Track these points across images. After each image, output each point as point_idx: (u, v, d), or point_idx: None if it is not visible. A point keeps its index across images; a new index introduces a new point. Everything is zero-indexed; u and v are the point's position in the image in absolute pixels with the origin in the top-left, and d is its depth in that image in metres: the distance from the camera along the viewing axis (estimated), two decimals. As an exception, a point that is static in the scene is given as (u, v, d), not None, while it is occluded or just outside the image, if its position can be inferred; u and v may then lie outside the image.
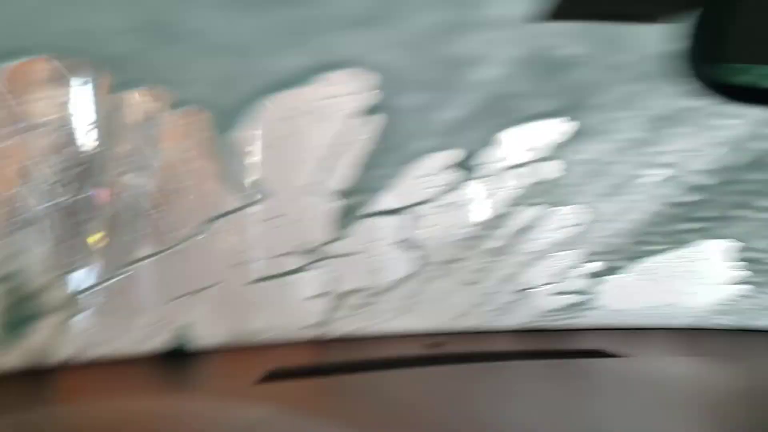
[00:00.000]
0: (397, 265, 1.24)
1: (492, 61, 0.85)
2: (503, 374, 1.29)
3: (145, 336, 1.20)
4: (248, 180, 0.94)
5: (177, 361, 1.23)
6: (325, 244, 1.12)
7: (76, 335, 1.14)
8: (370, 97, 0.87)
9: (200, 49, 0.75)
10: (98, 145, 0.82)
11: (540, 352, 1.38)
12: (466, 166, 1.03)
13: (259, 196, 0.99)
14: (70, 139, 0.85)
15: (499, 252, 1.29)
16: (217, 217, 1.01)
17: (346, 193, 1.02)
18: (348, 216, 1.06)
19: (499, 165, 1.04)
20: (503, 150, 1.01)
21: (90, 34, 0.68)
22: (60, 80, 0.79)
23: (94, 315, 1.12)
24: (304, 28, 0.74)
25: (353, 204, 1.04)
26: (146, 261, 1.05)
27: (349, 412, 1.02)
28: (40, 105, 0.82)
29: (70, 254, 0.99)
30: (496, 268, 1.34)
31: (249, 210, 1.01)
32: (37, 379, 1.13)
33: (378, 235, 1.15)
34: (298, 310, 1.28)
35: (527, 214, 1.20)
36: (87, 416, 1.00)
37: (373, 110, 0.89)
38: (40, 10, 0.65)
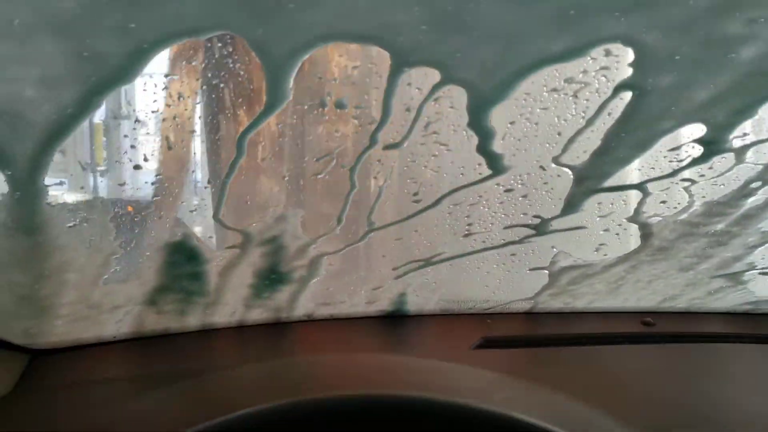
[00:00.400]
0: (620, 242, 1.22)
1: (757, 40, 0.80)
2: (716, 355, 1.25)
3: (370, 299, 1.28)
4: (489, 155, 0.97)
5: (398, 323, 1.30)
6: (552, 219, 1.13)
7: (313, 295, 1.24)
8: (625, 74, 0.85)
9: (474, 37, 0.78)
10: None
11: (756, 336, 1.31)
12: (708, 143, 0.98)
13: (489, 171, 1.01)
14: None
15: (726, 233, 1.23)
16: (452, 191, 1.05)
17: (581, 169, 1.01)
18: (580, 191, 1.06)
19: (743, 142, 0.98)
20: (748, 127, 0.96)
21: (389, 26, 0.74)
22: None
23: (329, 277, 1.21)
24: (571, 15, 0.74)
25: (587, 179, 1.03)
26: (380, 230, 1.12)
27: (561, 381, 1.04)
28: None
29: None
30: (719, 249, 1.28)
31: (482, 184, 1.04)
32: (278, 332, 1.24)
33: (606, 211, 1.13)
34: (516, 282, 1.30)
35: (762, 193, 1.13)
36: (320, 367, 1.09)
37: (625, 87, 0.87)
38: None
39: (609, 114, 0.93)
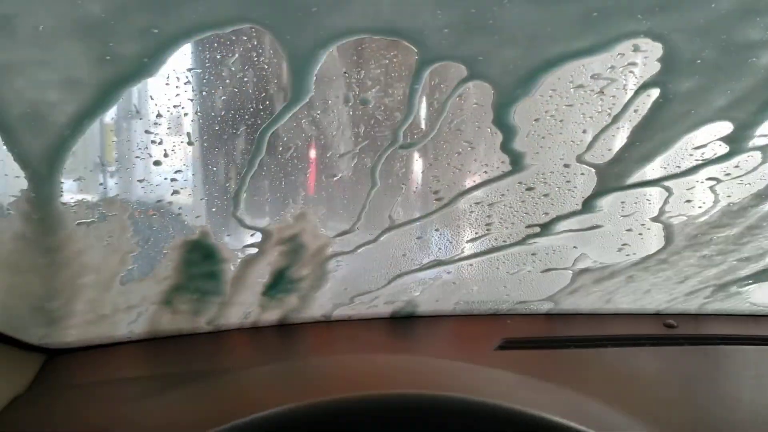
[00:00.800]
0: (642, 242, 1.21)
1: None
2: (739, 358, 1.23)
3: (389, 299, 1.26)
4: (513, 153, 0.95)
5: (417, 324, 1.29)
6: (574, 217, 1.11)
7: (323, 296, 1.22)
8: (649, 73, 0.84)
9: (498, 38, 0.77)
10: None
11: None
12: (732, 141, 0.96)
13: (512, 169, 1.00)
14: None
15: (748, 233, 1.21)
16: (473, 188, 1.03)
17: (605, 167, 1.00)
18: (603, 190, 1.04)
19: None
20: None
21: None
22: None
23: (347, 277, 1.20)
24: (595, 16, 0.74)
25: (611, 177, 1.02)
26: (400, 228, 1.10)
27: (583, 383, 1.03)
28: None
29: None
30: (740, 249, 1.26)
31: (504, 182, 1.02)
32: (295, 333, 1.22)
33: (629, 210, 1.12)
34: (536, 282, 1.29)
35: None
36: (339, 368, 1.07)
37: (652, 84, 0.85)
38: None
39: (635, 111, 0.91)
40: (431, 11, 0.74)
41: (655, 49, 0.81)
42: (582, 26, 0.77)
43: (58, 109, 0.74)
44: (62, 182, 0.82)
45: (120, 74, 0.72)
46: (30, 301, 0.98)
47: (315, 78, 0.81)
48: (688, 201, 1.12)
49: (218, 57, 0.82)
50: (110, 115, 0.81)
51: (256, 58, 0.83)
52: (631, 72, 0.87)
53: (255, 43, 0.82)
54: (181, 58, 0.78)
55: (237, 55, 0.83)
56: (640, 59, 0.84)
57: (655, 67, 0.84)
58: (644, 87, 0.87)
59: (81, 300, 1.02)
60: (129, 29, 0.70)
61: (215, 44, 0.81)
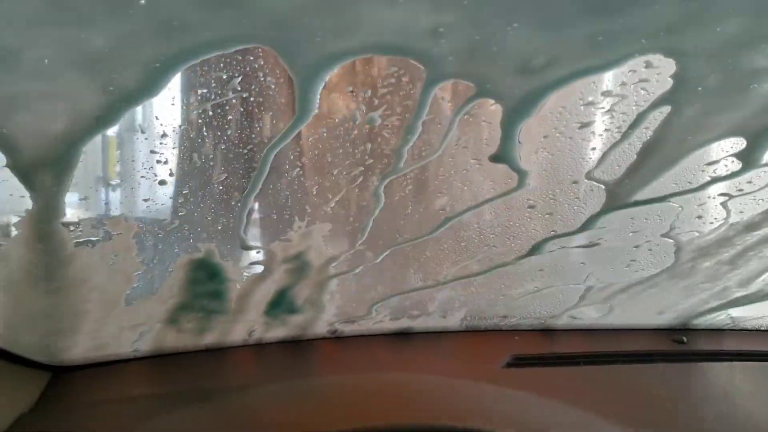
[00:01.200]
0: (652, 257, 1.19)
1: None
2: (753, 374, 1.21)
3: (395, 315, 1.25)
4: (520, 170, 0.94)
5: (424, 340, 1.27)
6: (582, 234, 1.10)
7: (329, 313, 1.21)
8: (659, 91, 0.83)
9: (502, 64, 0.77)
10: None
11: None
12: (743, 158, 0.95)
13: (520, 186, 0.99)
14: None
15: (758, 247, 1.19)
16: (480, 205, 1.03)
17: (613, 183, 0.98)
18: (613, 206, 1.03)
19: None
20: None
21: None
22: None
23: (353, 294, 1.19)
24: (604, 40, 0.73)
25: (618, 194, 1.00)
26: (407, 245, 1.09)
27: (594, 401, 1.02)
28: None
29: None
30: (752, 264, 1.24)
31: (512, 199, 1.02)
32: (301, 350, 1.21)
33: (639, 227, 1.10)
34: (544, 298, 1.27)
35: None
36: (345, 388, 1.06)
37: (660, 103, 0.84)
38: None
39: (646, 128, 0.90)
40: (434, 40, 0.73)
41: (668, 65, 0.80)
42: (588, 49, 0.76)
43: (61, 129, 0.73)
44: (66, 202, 0.81)
45: (122, 96, 0.71)
46: (35, 319, 0.98)
47: (319, 96, 0.79)
48: (699, 217, 1.11)
49: (224, 77, 0.82)
50: (115, 134, 0.80)
51: (262, 78, 0.82)
52: (643, 89, 0.86)
53: (260, 63, 0.81)
54: (186, 79, 0.78)
55: (241, 77, 0.82)
56: (651, 76, 0.83)
57: (667, 84, 0.83)
58: (655, 104, 0.86)
59: (86, 318, 1.02)
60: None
61: (221, 64, 0.80)
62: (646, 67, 0.81)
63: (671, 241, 1.15)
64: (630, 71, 0.83)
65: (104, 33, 0.65)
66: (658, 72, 0.82)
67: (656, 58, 0.79)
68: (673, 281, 1.24)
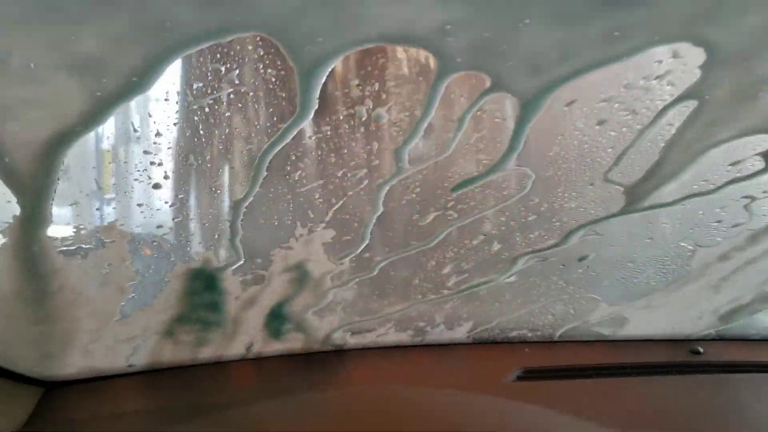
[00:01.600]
0: (665, 265, 1.15)
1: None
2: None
3: (401, 327, 1.21)
4: (536, 170, 0.90)
5: (431, 352, 1.23)
6: (599, 239, 1.06)
7: (331, 325, 1.17)
8: (685, 83, 0.79)
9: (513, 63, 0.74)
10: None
11: None
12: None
13: (536, 188, 0.95)
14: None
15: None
16: (487, 209, 0.99)
17: (633, 185, 0.94)
18: (631, 209, 0.99)
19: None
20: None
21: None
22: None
23: (358, 305, 1.16)
24: (621, 34, 0.70)
25: (639, 196, 0.96)
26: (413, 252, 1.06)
27: (607, 415, 0.99)
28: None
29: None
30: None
31: (520, 202, 0.97)
32: (304, 363, 1.17)
33: (656, 233, 1.06)
34: (555, 307, 1.23)
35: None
36: (351, 402, 1.04)
37: (685, 97, 0.80)
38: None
39: (670, 124, 0.86)
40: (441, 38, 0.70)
41: (695, 56, 0.76)
42: (603, 45, 0.72)
43: (46, 128, 0.70)
44: (55, 207, 0.77)
45: (111, 93, 0.68)
46: (27, 333, 0.94)
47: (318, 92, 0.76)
48: (719, 221, 1.06)
49: (222, 70, 0.78)
50: (107, 136, 0.76)
51: (262, 70, 0.78)
52: (668, 83, 0.82)
53: (261, 53, 0.78)
54: (180, 75, 0.74)
55: (238, 70, 0.79)
56: (677, 67, 0.79)
57: (693, 77, 0.79)
58: (681, 98, 0.82)
59: (80, 331, 0.98)
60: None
61: (218, 55, 0.76)
62: (673, 57, 0.77)
63: (689, 246, 1.11)
64: (656, 62, 0.79)
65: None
66: (685, 63, 0.78)
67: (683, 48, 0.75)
68: (689, 289, 1.20)
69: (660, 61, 0.79)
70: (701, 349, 1.27)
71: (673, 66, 0.79)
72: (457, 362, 1.21)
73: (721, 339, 1.32)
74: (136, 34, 0.64)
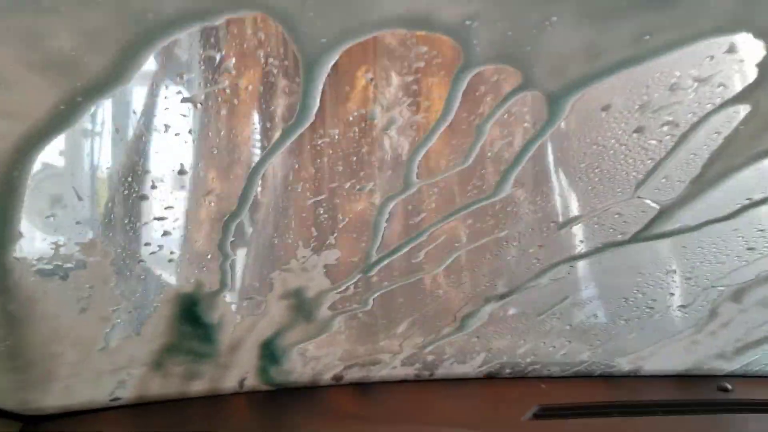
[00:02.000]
0: (691, 294, 1.08)
1: None
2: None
3: (407, 360, 1.13)
4: (561, 183, 0.84)
5: (440, 388, 1.16)
6: (625, 261, 0.99)
7: (331, 356, 1.10)
8: (741, 84, 0.72)
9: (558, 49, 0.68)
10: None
11: None
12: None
13: (559, 203, 0.89)
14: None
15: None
16: (504, 228, 0.92)
17: (668, 201, 0.87)
18: (664, 231, 0.92)
19: None
20: None
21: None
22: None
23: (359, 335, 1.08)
24: (653, 32, 0.65)
25: (672, 215, 0.89)
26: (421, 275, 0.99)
27: None
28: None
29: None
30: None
31: (541, 221, 0.91)
32: (303, 398, 1.11)
33: (692, 262, 0.99)
34: (575, 339, 1.16)
35: None
36: None
37: (736, 100, 0.74)
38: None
39: (717, 133, 0.79)
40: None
41: (749, 55, 0.70)
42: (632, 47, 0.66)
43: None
44: (24, 221, 0.70)
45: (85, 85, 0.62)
46: (3, 364, 0.88)
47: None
48: (751, 248, 0.99)
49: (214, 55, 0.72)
50: (88, 140, 0.70)
51: (262, 67, 0.73)
52: (720, 86, 0.75)
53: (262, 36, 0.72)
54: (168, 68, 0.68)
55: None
56: (728, 68, 0.73)
57: (745, 80, 0.72)
58: (729, 102, 0.75)
59: (59, 361, 0.92)
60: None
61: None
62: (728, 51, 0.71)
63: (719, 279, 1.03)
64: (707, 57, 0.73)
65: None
66: (741, 60, 0.71)
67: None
68: (718, 323, 1.12)
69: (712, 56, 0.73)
70: (730, 386, 1.19)
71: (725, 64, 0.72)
72: (469, 399, 1.14)
73: (752, 376, 1.24)
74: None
